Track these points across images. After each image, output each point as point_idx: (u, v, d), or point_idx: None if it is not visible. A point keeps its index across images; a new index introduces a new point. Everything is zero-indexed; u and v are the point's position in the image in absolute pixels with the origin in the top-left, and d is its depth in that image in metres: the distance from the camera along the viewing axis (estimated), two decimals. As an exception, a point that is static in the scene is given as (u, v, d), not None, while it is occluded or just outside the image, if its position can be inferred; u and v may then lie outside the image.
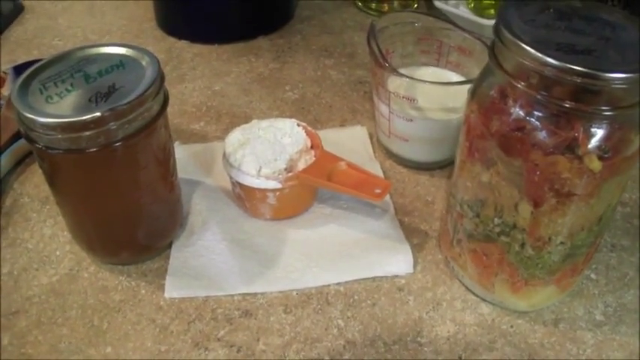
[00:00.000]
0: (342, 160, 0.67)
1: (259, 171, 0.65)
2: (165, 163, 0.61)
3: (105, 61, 0.58)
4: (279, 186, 0.65)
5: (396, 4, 1.11)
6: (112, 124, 0.53)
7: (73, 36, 1.06)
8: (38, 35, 1.06)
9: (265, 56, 0.99)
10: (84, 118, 0.51)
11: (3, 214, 0.72)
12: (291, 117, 0.73)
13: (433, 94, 0.70)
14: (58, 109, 0.53)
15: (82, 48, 0.60)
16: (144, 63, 0.58)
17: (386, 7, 1.11)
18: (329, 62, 0.98)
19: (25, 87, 0.55)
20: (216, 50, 1.01)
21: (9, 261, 0.66)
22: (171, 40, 1.04)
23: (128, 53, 0.59)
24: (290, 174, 0.66)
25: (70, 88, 0.55)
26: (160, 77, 0.57)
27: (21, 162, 0.79)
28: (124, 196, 0.60)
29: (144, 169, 0.59)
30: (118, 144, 0.54)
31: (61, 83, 0.56)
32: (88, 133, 0.52)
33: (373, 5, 1.11)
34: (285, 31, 1.06)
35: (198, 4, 1.00)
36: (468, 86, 0.66)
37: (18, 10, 1.12)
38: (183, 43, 1.03)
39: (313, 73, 0.95)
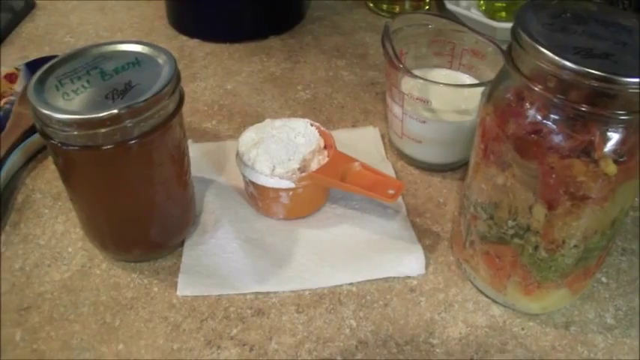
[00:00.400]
0: (356, 160, 0.67)
1: (273, 170, 0.65)
2: (180, 161, 0.62)
3: (121, 59, 0.58)
4: (292, 186, 0.65)
5: (407, 5, 1.11)
6: (128, 121, 0.53)
7: (84, 33, 1.06)
8: (50, 32, 1.06)
9: (277, 56, 1.00)
10: (100, 115, 0.51)
11: (15, 210, 0.72)
12: (303, 117, 0.74)
13: (447, 96, 0.70)
14: (75, 106, 0.53)
15: (98, 45, 0.60)
16: (160, 61, 0.58)
17: (397, 8, 1.11)
18: (341, 63, 0.98)
19: (41, 83, 0.55)
20: (228, 49, 1.01)
21: (21, 257, 0.66)
22: (183, 38, 1.04)
23: (144, 51, 0.59)
24: (303, 174, 0.66)
25: (86, 85, 0.55)
26: (177, 76, 0.57)
27: (33, 158, 0.79)
28: (138, 193, 0.60)
29: (158, 166, 0.59)
30: (133, 141, 0.54)
31: (77, 80, 0.56)
32: (104, 130, 0.52)
33: (384, 6, 1.11)
34: (297, 31, 1.07)
35: (211, 3, 1.00)
36: (481, 89, 0.67)
37: (29, 7, 1.12)
38: (194, 42, 1.03)
39: (325, 73, 0.96)
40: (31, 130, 0.77)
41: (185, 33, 1.05)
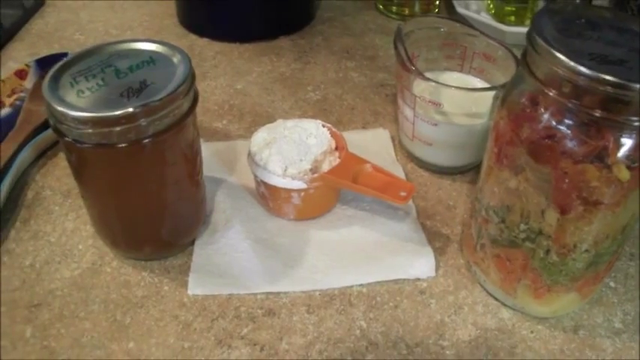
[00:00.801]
0: (367, 162, 0.68)
1: (285, 171, 0.65)
2: (193, 160, 0.62)
3: (136, 57, 0.59)
4: (304, 186, 0.65)
5: (417, 7, 1.11)
6: (142, 120, 0.53)
7: (94, 30, 1.06)
8: (59, 29, 1.07)
9: (287, 56, 1.00)
10: (116, 113, 0.52)
11: (25, 207, 0.72)
12: (313, 118, 0.74)
13: (458, 99, 0.70)
14: (89, 104, 0.53)
15: (112, 43, 0.60)
16: (175, 60, 0.58)
17: (406, 10, 1.11)
18: (350, 64, 0.98)
19: (55, 80, 0.55)
20: (238, 49, 1.01)
21: (31, 253, 0.67)
22: (193, 37, 1.05)
23: (159, 50, 0.60)
24: (315, 175, 0.66)
25: (100, 82, 0.55)
26: (192, 75, 0.57)
27: (43, 155, 0.79)
28: (151, 192, 0.60)
29: (172, 166, 0.59)
30: (147, 140, 0.54)
31: (91, 78, 0.56)
32: (118, 128, 0.52)
33: (394, 8, 1.12)
34: (307, 31, 1.07)
35: (221, 2, 1.00)
36: (492, 92, 0.67)
37: (39, 4, 1.13)
38: (204, 41, 1.03)
39: (335, 74, 0.96)
40: (42, 127, 0.77)
41: (195, 32, 1.05)
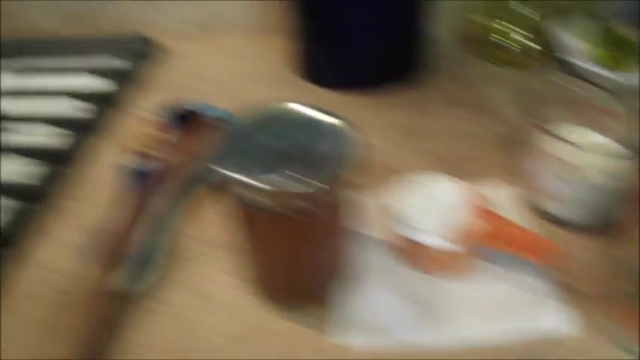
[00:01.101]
0: (506, 219, 0.70)
1: (428, 228, 0.68)
2: (349, 220, 0.66)
3: (311, 128, 0.60)
4: (446, 244, 0.68)
5: (528, 57, 1.12)
6: (321, 194, 0.56)
7: (215, 80, 1.10)
8: (179, 78, 1.11)
9: (405, 107, 1.01)
10: (296, 188, 0.55)
11: (172, 257, 0.75)
12: (438, 172, 0.76)
13: (589, 157, 0.72)
14: (266, 173, 0.55)
15: (285, 111, 0.62)
16: (348, 133, 0.60)
17: (519, 61, 1.12)
18: (468, 116, 0.98)
19: (227, 147, 0.58)
20: (356, 100, 1.02)
21: (182, 304, 0.70)
22: (309, 86, 1.07)
23: (334, 122, 0.61)
24: (458, 233, 0.68)
25: (275, 152, 0.57)
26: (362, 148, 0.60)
27: (188, 206, 0.82)
28: (313, 252, 0.64)
29: (336, 229, 0.63)
30: (319, 210, 0.58)
31: (266, 147, 0.58)
32: (295, 201, 0.56)
33: (506, 58, 1.12)
34: (423, 82, 1.07)
35: (340, 53, 1.03)
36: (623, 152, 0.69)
37: (157, 53, 1.18)
38: (320, 91, 1.05)
39: (454, 126, 0.96)
40: (186, 179, 0.82)
41: (311, 81, 1.08)
